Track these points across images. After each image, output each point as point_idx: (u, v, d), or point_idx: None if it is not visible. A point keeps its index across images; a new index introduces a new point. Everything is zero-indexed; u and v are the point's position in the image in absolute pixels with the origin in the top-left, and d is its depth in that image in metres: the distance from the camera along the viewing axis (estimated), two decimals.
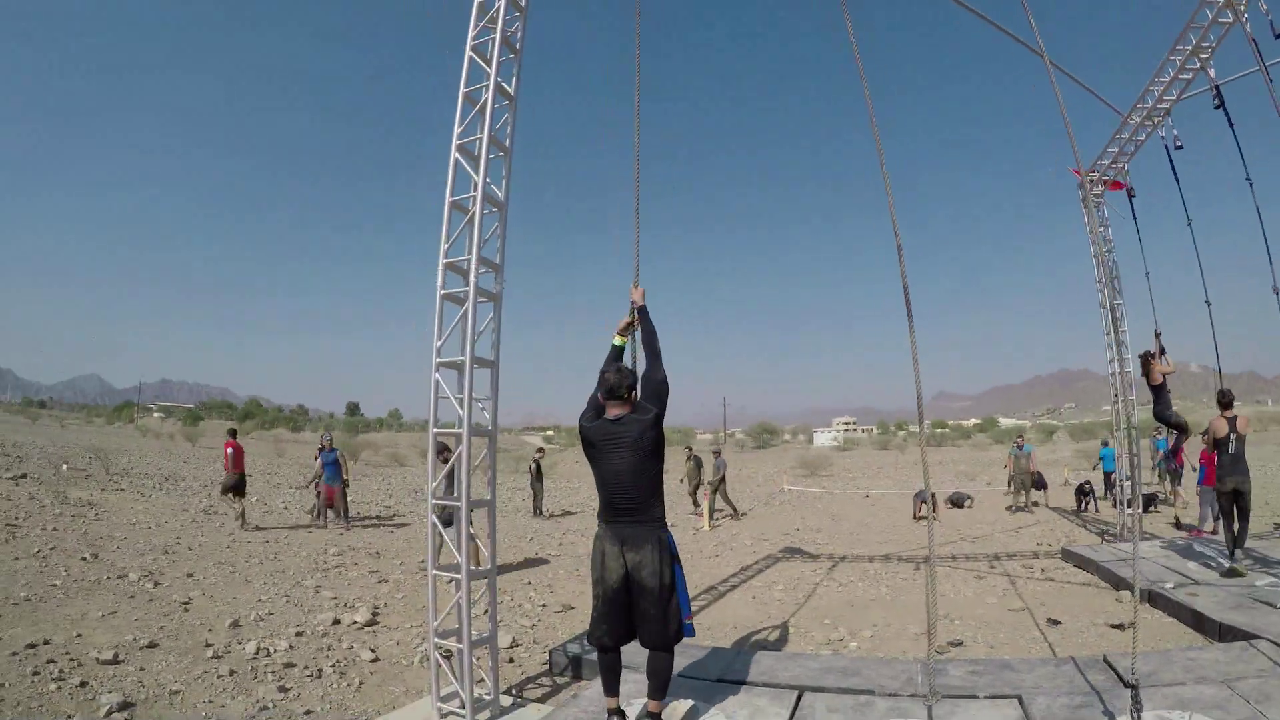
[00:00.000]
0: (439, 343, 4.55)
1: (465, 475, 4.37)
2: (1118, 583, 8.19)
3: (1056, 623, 7.01)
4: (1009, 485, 17.07)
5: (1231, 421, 7.73)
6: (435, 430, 4.55)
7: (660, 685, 3.97)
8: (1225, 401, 7.88)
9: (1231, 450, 7.66)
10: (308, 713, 4.78)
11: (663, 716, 4.02)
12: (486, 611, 4.89)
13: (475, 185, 4.67)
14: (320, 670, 5.57)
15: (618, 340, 4.31)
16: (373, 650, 6.10)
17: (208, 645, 5.93)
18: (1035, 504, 16.55)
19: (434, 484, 4.47)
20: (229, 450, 13.64)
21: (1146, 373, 8.92)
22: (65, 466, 20.11)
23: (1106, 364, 11.90)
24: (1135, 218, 11.12)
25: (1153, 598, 7.43)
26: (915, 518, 15.81)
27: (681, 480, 18.21)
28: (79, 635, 5.91)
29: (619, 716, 4.00)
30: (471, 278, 4.53)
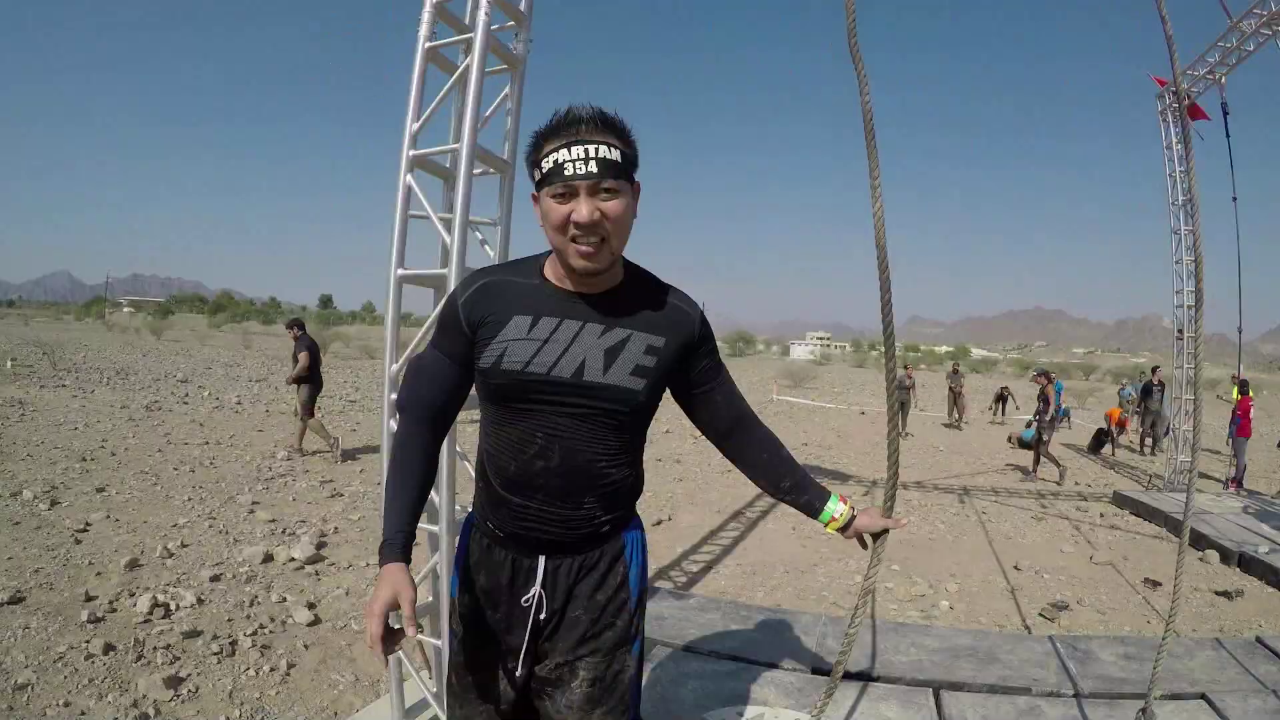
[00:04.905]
0: (414, 125, 2.55)
1: None
2: (1194, 539, 6.99)
3: (1156, 584, 5.98)
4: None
5: None
6: (401, 271, 2.60)
7: None
8: None
9: None
10: None
11: None
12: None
13: None
14: (234, 644, 3.79)
15: None
16: (311, 606, 4.34)
17: (88, 599, 4.16)
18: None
19: (394, 367, 2.57)
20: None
21: None
22: (10, 363, 18.32)
23: (1173, 296, 10.21)
24: (1229, 135, 9.73)
25: (1244, 561, 6.39)
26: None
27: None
28: None
29: None
30: None
